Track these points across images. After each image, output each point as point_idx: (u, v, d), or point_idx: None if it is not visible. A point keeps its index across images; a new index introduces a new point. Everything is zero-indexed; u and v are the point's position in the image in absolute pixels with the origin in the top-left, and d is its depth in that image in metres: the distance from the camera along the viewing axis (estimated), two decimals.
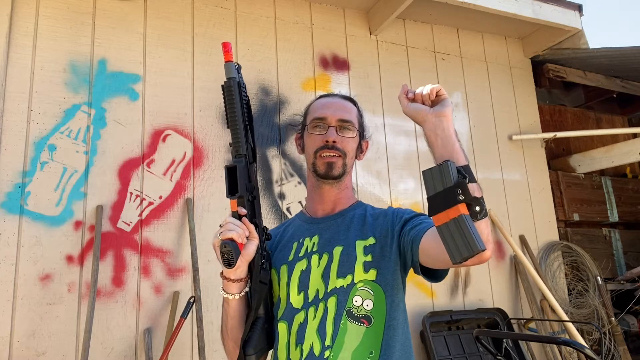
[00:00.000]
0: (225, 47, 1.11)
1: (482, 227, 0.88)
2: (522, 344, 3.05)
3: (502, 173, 3.61)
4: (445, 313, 2.99)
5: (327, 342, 1.08)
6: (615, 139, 4.35)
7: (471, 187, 0.86)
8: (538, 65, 4.04)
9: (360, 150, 1.29)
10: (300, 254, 1.20)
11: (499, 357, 2.20)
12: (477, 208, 0.86)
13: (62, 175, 2.40)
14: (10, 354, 2.14)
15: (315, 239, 1.21)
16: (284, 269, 1.20)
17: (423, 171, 0.89)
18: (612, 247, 4.11)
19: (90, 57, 2.57)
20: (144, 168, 2.56)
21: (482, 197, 0.88)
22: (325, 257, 1.17)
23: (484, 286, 3.31)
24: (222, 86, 1.11)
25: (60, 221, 2.35)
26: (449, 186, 0.84)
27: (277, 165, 2.88)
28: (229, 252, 1.01)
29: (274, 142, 2.90)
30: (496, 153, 3.64)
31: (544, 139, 3.85)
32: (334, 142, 1.20)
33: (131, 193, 2.51)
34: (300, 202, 2.88)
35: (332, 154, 1.20)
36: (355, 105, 1.30)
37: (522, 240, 3.52)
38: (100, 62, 2.59)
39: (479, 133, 3.61)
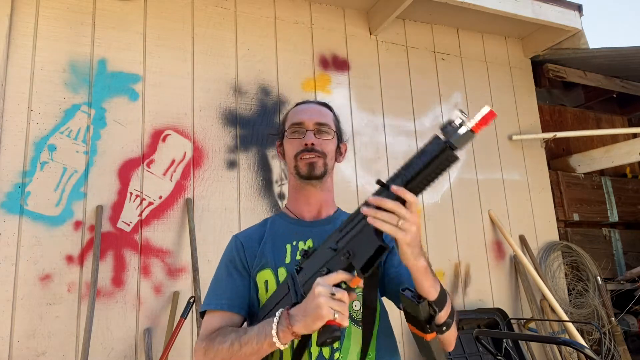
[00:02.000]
0: (488, 118, 0.87)
1: (447, 336, 1.04)
2: (522, 344, 3.05)
3: (502, 173, 3.61)
4: None
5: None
6: (615, 139, 4.35)
7: (440, 316, 1.00)
8: (538, 65, 4.04)
9: (339, 153, 1.31)
10: (297, 258, 1.20)
11: (499, 357, 2.20)
12: (444, 328, 1.01)
13: (62, 175, 2.40)
14: (10, 354, 2.14)
15: (309, 243, 1.22)
16: (282, 271, 1.19)
17: (403, 307, 1.01)
18: (612, 247, 4.11)
19: (90, 57, 2.57)
20: (143, 168, 2.56)
21: (449, 317, 1.02)
22: None
23: (484, 286, 3.31)
24: (444, 150, 0.89)
25: (60, 221, 2.35)
26: (421, 319, 0.99)
27: (277, 165, 2.88)
28: (335, 339, 0.91)
29: (273, 142, 2.89)
30: (496, 153, 3.64)
31: (543, 139, 3.85)
32: (313, 144, 1.22)
33: (131, 193, 2.51)
34: None
35: (312, 156, 1.22)
36: (331, 110, 1.33)
37: (522, 240, 3.52)
38: (100, 62, 2.59)
39: (479, 133, 3.60)
